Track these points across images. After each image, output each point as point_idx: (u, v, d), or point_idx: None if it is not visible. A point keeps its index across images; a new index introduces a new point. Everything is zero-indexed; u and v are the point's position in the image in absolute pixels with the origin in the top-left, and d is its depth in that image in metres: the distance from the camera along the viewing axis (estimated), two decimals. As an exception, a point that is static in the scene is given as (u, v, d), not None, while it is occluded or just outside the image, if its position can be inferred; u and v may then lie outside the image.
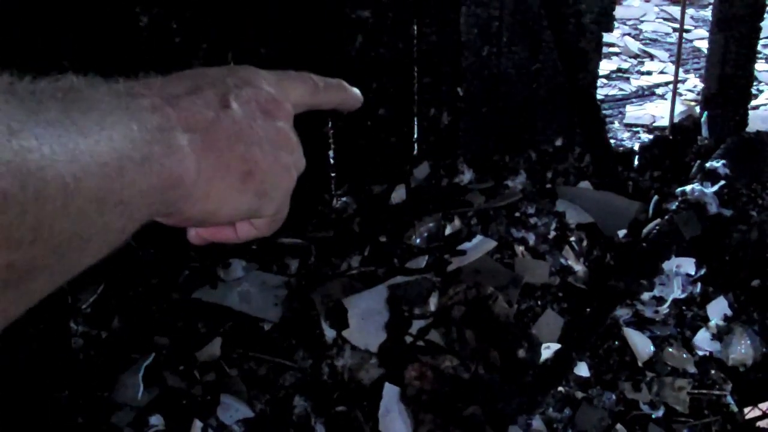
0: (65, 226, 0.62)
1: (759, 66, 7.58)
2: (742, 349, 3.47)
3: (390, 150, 4.01)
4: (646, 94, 7.32)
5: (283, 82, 0.97)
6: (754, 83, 7.03)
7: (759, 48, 4.77)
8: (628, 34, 8.76)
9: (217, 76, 0.87)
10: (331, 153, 3.90)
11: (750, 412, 3.36)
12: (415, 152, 4.09)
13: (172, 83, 0.83)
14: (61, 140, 0.62)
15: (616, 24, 4.64)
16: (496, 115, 4.15)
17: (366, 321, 3.25)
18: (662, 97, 7.07)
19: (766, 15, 4.63)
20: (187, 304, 3.39)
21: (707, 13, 8.50)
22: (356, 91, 1.08)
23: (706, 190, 3.92)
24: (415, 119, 4.04)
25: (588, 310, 3.52)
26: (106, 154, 0.66)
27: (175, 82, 0.83)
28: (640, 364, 3.35)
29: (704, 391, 3.31)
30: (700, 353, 3.46)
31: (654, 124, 6.30)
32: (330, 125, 3.84)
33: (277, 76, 0.96)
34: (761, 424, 3.33)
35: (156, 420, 2.95)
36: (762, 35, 4.82)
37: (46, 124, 0.62)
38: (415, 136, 4.07)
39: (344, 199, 3.93)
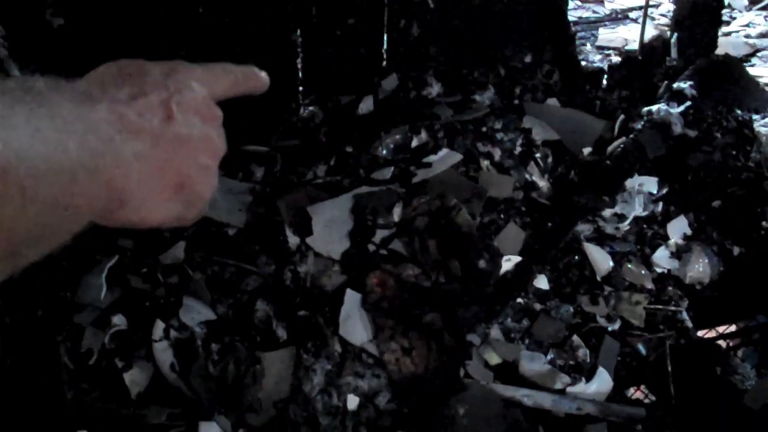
0: (22, 227, 0.67)
1: (733, -7, 7.58)
2: (699, 268, 3.53)
3: (358, 60, 3.98)
4: (619, 17, 7.30)
5: (212, 76, 1.00)
6: (728, 10, 7.03)
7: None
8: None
9: (158, 78, 0.91)
10: (299, 62, 3.87)
11: (706, 334, 3.43)
12: (384, 63, 4.06)
13: (116, 84, 0.86)
14: (23, 147, 0.66)
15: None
16: (466, 29, 4.12)
17: (330, 229, 3.27)
18: (635, 21, 7.06)
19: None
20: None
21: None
22: (265, 75, 1.14)
23: (671, 110, 3.94)
24: (385, 30, 4.01)
25: (550, 224, 3.55)
26: (63, 162, 0.71)
27: (120, 82, 0.87)
28: (598, 279, 3.41)
29: (660, 307, 3.37)
30: (659, 270, 3.52)
31: (626, 47, 6.30)
32: (298, 33, 3.81)
33: (207, 71, 1.00)
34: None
35: (118, 320, 2.97)
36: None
37: (11, 129, 0.66)
38: (384, 47, 4.04)
39: (311, 108, 3.91)
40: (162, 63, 0.95)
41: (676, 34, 4.51)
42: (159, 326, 2.95)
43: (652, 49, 4.51)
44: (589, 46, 6.50)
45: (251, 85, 1.11)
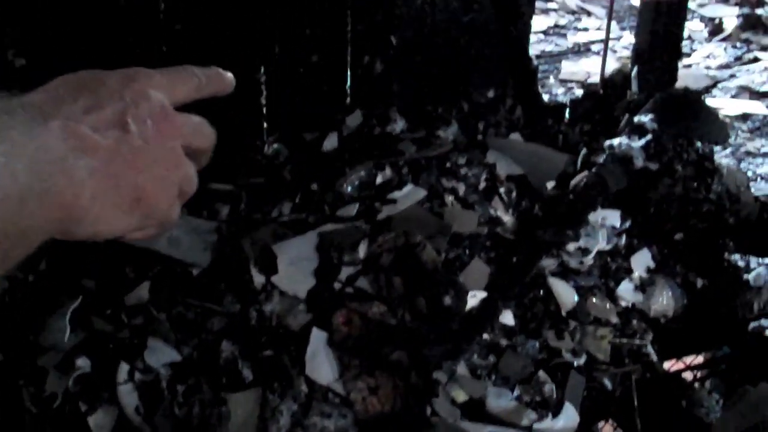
0: None
1: (693, 25, 7.70)
2: (663, 301, 3.55)
3: (322, 97, 4.01)
4: (582, 50, 7.40)
5: (172, 82, 1.03)
6: (689, 42, 7.14)
7: (693, 7, 4.83)
8: (566, -10, 8.82)
9: (114, 88, 0.91)
10: (263, 99, 3.88)
11: (673, 366, 3.45)
12: (348, 100, 4.09)
13: (72, 96, 0.87)
14: None
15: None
16: (429, 65, 4.16)
17: (295, 267, 3.27)
18: (598, 53, 7.16)
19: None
20: (115, 247, 3.36)
21: (644, -30, 8.58)
22: (230, 76, 1.15)
23: (633, 144, 3.98)
24: (348, 67, 4.03)
25: (515, 259, 3.57)
26: (11, 188, 0.71)
27: (75, 95, 0.87)
28: (563, 313, 3.42)
29: (625, 341, 3.39)
30: (623, 303, 3.53)
31: (588, 80, 6.38)
32: (262, 71, 3.82)
33: (166, 76, 1.01)
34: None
35: (83, 362, 2.94)
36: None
37: None
38: (348, 83, 4.06)
39: (276, 145, 3.92)
40: (120, 71, 0.95)
41: (636, 68, 4.58)
42: (123, 368, 2.93)
43: (613, 83, 4.57)
44: (552, 79, 6.59)
45: (215, 88, 1.12)
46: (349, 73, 4.04)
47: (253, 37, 3.73)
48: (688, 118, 4.27)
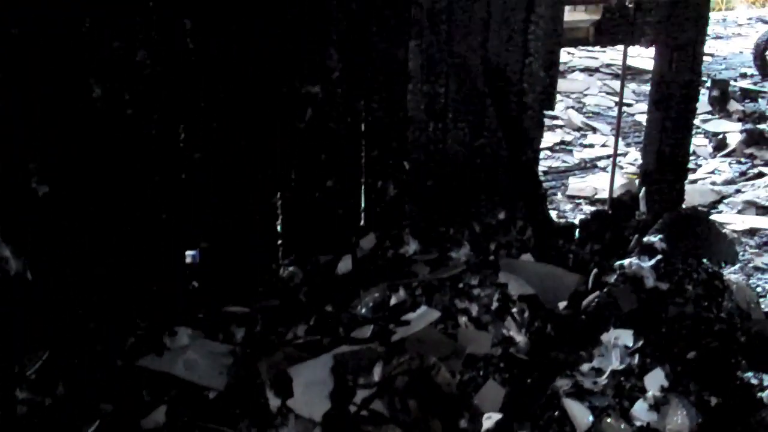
0: None
1: (698, 141, 7.82)
2: (678, 420, 3.54)
3: (337, 221, 4.08)
4: (588, 166, 7.50)
5: None
6: (693, 158, 7.24)
7: (697, 123, 4.93)
8: (572, 107, 8.99)
9: None
10: (278, 223, 3.96)
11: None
12: (362, 223, 4.16)
13: None
14: None
15: (560, 97, 4.79)
16: (440, 188, 4.24)
17: (311, 390, 3.28)
18: (604, 169, 7.25)
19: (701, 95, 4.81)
20: (132, 371, 3.40)
21: (648, 87, 8.77)
22: None
23: (643, 264, 4.03)
24: (362, 191, 4.12)
25: (529, 380, 3.58)
26: None
27: None
28: (579, 435, 3.42)
29: (641, 462, 3.38)
30: (638, 423, 3.52)
31: (596, 196, 6.46)
32: (278, 196, 3.91)
33: None
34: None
35: (100, 488, 2.94)
36: (700, 110, 5.00)
37: None
38: (362, 207, 4.14)
39: (291, 268, 3.98)
40: None
41: (644, 189, 4.66)
42: (140, 495, 2.93)
43: (622, 203, 4.65)
44: (559, 195, 6.66)
45: None
46: (363, 196, 4.12)
47: (270, 163, 3.83)
48: (697, 237, 4.33)
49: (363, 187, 4.12)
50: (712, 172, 7.43)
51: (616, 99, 8.86)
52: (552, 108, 4.43)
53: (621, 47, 5.05)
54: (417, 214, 4.24)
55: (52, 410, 3.25)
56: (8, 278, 3.06)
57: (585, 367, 3.67)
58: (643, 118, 6.78)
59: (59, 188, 3.40)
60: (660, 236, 4.23)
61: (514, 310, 3.88)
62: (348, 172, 4.03)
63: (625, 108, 7.03)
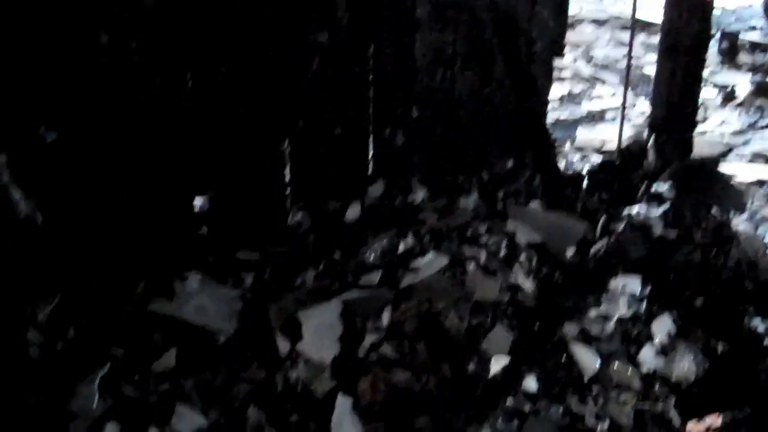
0: None
1: (706, 92, 7.78)
2: (685, 366, 3.56)
3: (345, 168, 4.08)
4: (596, 118, 7.46)
5: None
6: (703, 109, 7.21)
7: (706, 75, 4.90)
8: (580, 59, 8.93)
9: None
10: (287, 170, 3.96)
11: (694, 428, 3.44)
12: (370, 171, 4.16)
13: None
14: None
15: (568, 48, 4.77)
16: (449, 137, 4.23)
17: (320, 334, 3.31)
18: (612, 120, 7.22)
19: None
20: (143, 316, 3.42)
21: (657, 39, 8.69)
22: None
23: (651, 212, 4.04)
24: (370, 139, 4.11)
25: (537, 326, 3.60)
26: None
27: None
28: (586, 379, 3.43)
29: (648, 406, 3.40)
30: (645, 369, 3.55)
31: (604, 148, 6.43)
32: (287, 144, 3.91)
33: None
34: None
35: (112, 428, 2.97)
36: (709, 63, 4.97)
37: None
38: (370, 155, 4.14)
39: (300, 215, 3.99)
40: None
41: (653, 137, 4.65)
42: (152, 434, 2.96)
43: (630, 153, 4.64)
44: (567, 147, 6.63)
45: None
46: (371, 144, 4.12)
47: (278, 111, 3.82)
48: (706, 186, 4.33)
49: (371, 136, 4.11)
50: (721, 124, 7.39)
51: (625, 51, 8.82)
52: (561, 55, 4.41)
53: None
54: (425, 162, 4.24)
55: (64, 354, 3.28)
56: (18, 220, 3.07)
57: (592, 313, 3.68)
58: (651, 71, 6.72)
59: (67, 135, 3.40)
60: (668, 185, 4.23)
61: (522, 257, 3.89)
62: (356, 121, 4.03)
63: (633, 60, 6.99)
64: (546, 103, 4.45)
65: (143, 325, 3.39)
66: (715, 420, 3.46)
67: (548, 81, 4.40)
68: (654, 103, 4.85)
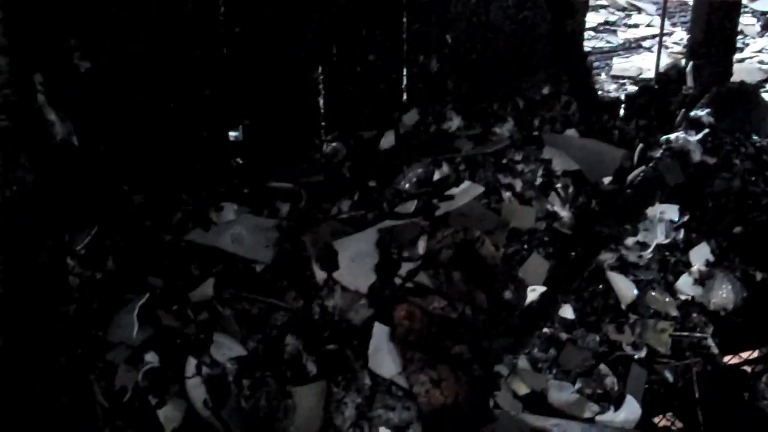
0: None
1: (745, 20, 7.63)
2: (723, 294, 3.55)
3: (379, 96, 4.04)
4: (633, 46, 7.36)
5: None
6: (741, 37, 7.08)
7: (745, 2, 4.80)
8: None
9: None
10: (321, 99, 3.93)
11: (731, 359, 3.44)
12: (404, 99, 4.12)
13: None
14: None
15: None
16: (484, 63, 4.18)
17: (356, 263, 3.31)
18: (649, 49, 7.11)
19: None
20: (180, 245, 3.44)
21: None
22: None
23: (690, 138, 3.98)
24: (404, 66, 4.07)
25: (573, 254, 3.58)
26: None
27: None
28: (623, 307, 3.43)
29: (685, 334, 3.40)
30: (683, 297, 3.54)
31: (640, 76, 6.35)
32: (320, 71, 3.87)
33: None
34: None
35: (151, 357, 3.00)
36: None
37: None
38: (404, 82, 4.10)
39: (334, 144, 3.97)
40: None
41: (691, 63, 4.56)
42: (191, 363, 2.99)
43: (668, 78, 4.56)
44: (603, 76, 6.56)
45: None
46: (405, 72, 4.08)
47: (311, 38, 3.78)
48: (745, 111, 4.25)
49: (405, 62, 4.07)
50: (760, 51, 7.26)
51: (662, -23, 8.64)
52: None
53: None
54: (460, 89, 4.19)
55: (103, 284, 3.30)
56: (55, 143, 3.07)
57: (630, 241, 3.66)
58: (689, -2, 6.60)
59: (102, 64, 3.39)
60: (707, 110, 4.17)
61: (559, 185, 3.86)
62: (389, 47, 3.98)
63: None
64: (582, 26, 4.37)
65: (180, 255, 3.41)
66: (751, 354, 3.46)
67: (585, 4, 4.31)
68: (693, 27, 4.74)
